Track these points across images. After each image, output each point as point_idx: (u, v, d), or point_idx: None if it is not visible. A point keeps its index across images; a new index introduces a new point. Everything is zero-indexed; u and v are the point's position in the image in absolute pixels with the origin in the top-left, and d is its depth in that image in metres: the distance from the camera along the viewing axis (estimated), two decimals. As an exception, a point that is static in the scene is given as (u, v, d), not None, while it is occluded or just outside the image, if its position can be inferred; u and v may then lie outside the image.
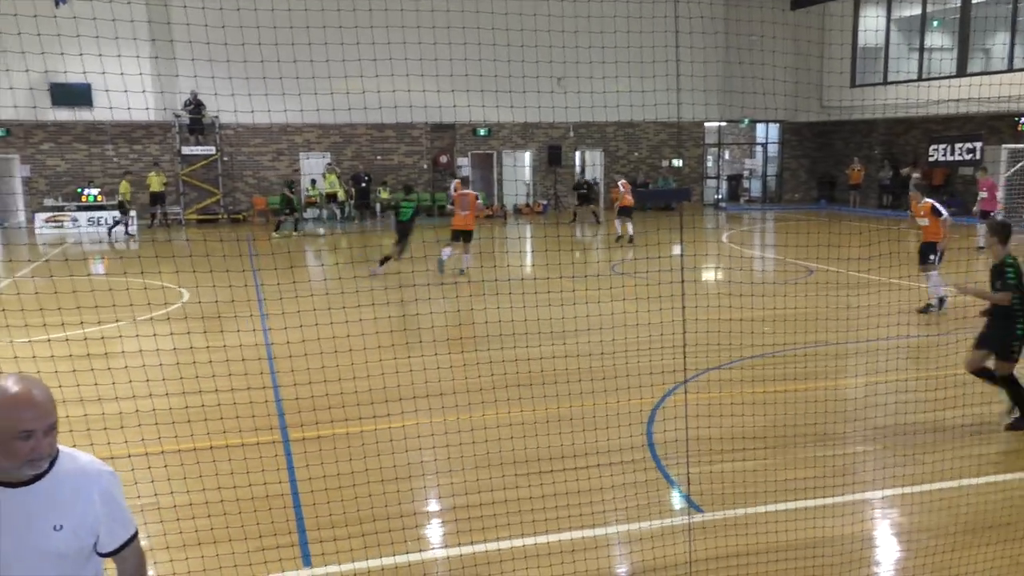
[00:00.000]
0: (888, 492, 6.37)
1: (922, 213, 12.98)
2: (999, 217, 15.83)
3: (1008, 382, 7.52)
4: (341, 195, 28.59)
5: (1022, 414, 7.58)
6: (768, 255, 19.77)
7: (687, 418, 6.30)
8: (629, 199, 22.17)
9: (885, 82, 29.47)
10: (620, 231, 22.09)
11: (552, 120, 30.75)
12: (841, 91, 30.94)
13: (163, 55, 24.33)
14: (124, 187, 25.76)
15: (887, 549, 5.75)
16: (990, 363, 7.59)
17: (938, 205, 12.89)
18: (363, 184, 28.94)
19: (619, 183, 22.98)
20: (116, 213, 26.00)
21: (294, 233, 25.35)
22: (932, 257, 12.57)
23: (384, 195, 29.73)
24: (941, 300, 12.59)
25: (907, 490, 6.37)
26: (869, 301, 12.05)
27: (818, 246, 18.59)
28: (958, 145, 27.02)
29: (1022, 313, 7.34)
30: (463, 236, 16.69)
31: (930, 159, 28.17)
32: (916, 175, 28.65)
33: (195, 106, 27.54)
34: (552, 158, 31.88)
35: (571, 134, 32.32)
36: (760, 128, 36.12)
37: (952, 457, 6.76)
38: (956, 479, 6.46)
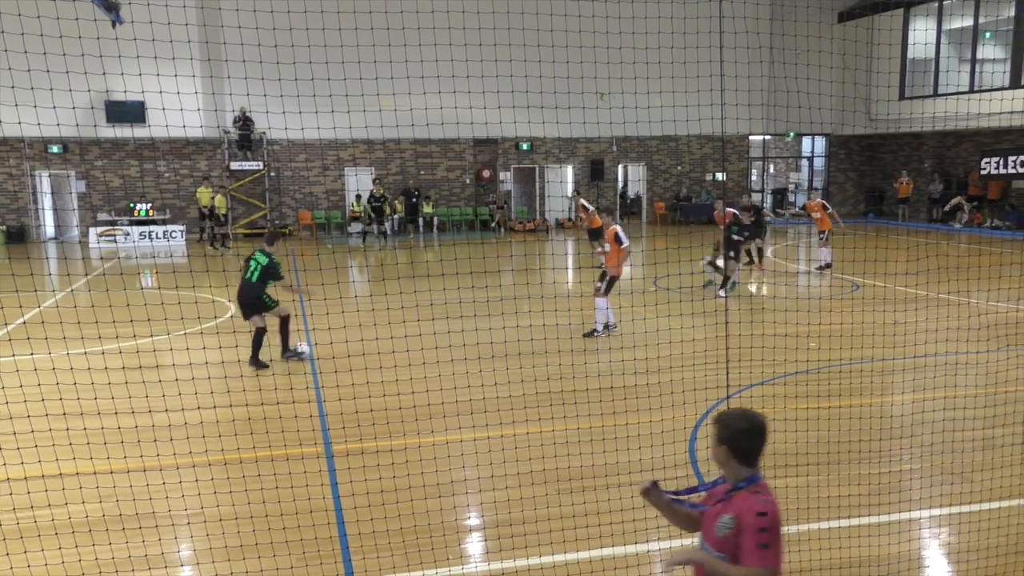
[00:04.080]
0: (937, 511, 6.26)
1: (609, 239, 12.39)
2: None
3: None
4: (388, 210, 28.79)
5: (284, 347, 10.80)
6: (813, 269, 19.52)
7: (730, 435, 6.25)
8: (828, 221, 18.51)
9: (935, 94, 29.01)
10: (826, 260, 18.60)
11: (596, 135, 30.79)
12: (890, 104, 30.51)
13: (214, 73, 24.84)
14: (219, 200, 26.58)
15: (936, 570, 5.64)
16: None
17: (621, 233, 12.16)
18: (412, 200, 29.27)
19: (817, 201, 19.06)
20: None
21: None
22: (599, 285, 12.18)
23: (427, 209, 29.99)
24: (606, 326, 12.25)
25: (957, 509, 6.25)
26: (916, 317, 11.85)
27: (864, 260, 18.32)
28: (1011, 158, 26.54)
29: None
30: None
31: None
32: (965, 205, 28.31)
33: (244, 122, 28.08)
34: (595, 172, 31.90)
35: (614, 148, 32.30)
36: (806, 141, 35.74)
37: (1003, 476, 6.62)
38: (1008, 499, 6.32)
